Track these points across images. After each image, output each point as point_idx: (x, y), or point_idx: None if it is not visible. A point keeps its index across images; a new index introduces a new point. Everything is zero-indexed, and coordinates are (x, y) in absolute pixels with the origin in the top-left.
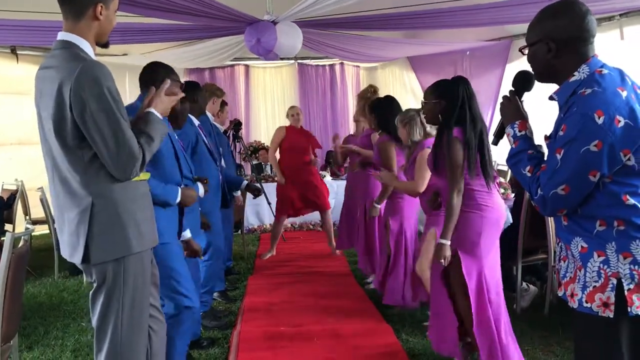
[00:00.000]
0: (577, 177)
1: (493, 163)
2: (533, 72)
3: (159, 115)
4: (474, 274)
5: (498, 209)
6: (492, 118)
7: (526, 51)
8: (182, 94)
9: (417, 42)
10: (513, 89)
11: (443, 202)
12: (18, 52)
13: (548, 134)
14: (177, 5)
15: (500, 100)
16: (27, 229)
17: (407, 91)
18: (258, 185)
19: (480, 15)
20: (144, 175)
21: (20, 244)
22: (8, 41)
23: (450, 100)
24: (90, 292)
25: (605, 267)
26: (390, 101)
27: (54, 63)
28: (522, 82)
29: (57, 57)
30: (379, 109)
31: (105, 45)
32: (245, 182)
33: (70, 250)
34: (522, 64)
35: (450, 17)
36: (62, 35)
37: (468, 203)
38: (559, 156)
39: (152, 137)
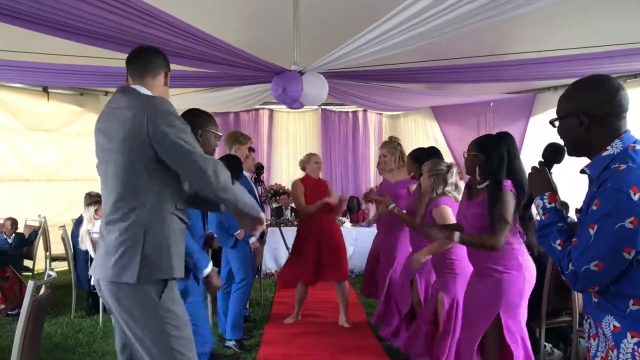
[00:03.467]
0: (611, 253)
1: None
2: (564, 145)
3: None
4: (519, 339)
5: (533, 271)
6: None
7: (557, 123)
8: None
9: (440, 94)
10: (542, 161)
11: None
12: (49, 90)
13: (579, 207)
14: (208, 55)
15: (527, 167)
16: (49, 275)
17: (430, 140)
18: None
19: (504, 71)
20: None
21: (42, 291)
22: (40, 81)
23: (489, 155)
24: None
25: None
26: (436, 153)
27: (123, 104)
28: (552, 155)
29: (125, 99)
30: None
31: None
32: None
33: (119, 270)
34: (546, 117)
35: (475, 73)
36: (129, 86)
37: (509, 264)
38: (592, 231)
39: None
